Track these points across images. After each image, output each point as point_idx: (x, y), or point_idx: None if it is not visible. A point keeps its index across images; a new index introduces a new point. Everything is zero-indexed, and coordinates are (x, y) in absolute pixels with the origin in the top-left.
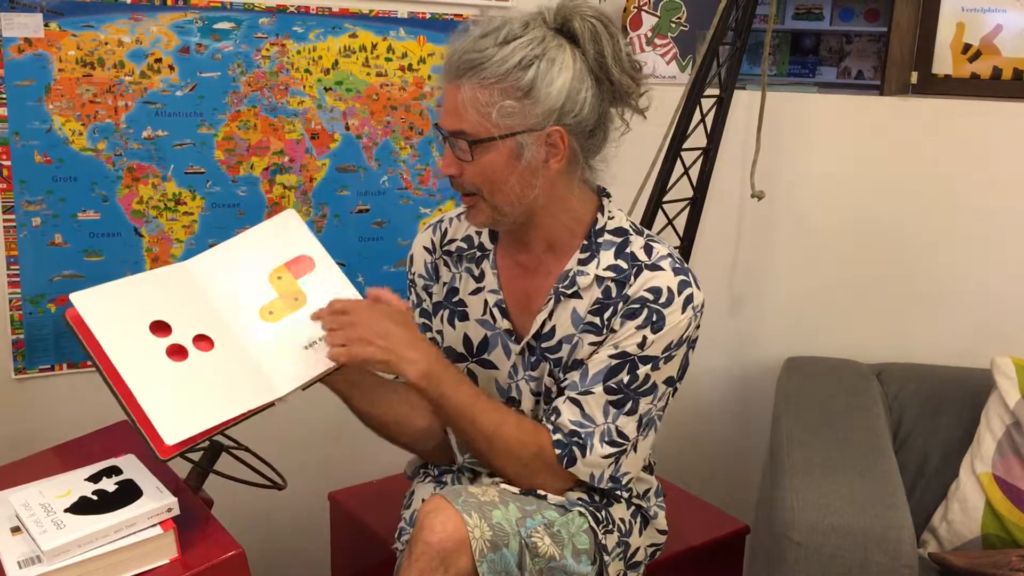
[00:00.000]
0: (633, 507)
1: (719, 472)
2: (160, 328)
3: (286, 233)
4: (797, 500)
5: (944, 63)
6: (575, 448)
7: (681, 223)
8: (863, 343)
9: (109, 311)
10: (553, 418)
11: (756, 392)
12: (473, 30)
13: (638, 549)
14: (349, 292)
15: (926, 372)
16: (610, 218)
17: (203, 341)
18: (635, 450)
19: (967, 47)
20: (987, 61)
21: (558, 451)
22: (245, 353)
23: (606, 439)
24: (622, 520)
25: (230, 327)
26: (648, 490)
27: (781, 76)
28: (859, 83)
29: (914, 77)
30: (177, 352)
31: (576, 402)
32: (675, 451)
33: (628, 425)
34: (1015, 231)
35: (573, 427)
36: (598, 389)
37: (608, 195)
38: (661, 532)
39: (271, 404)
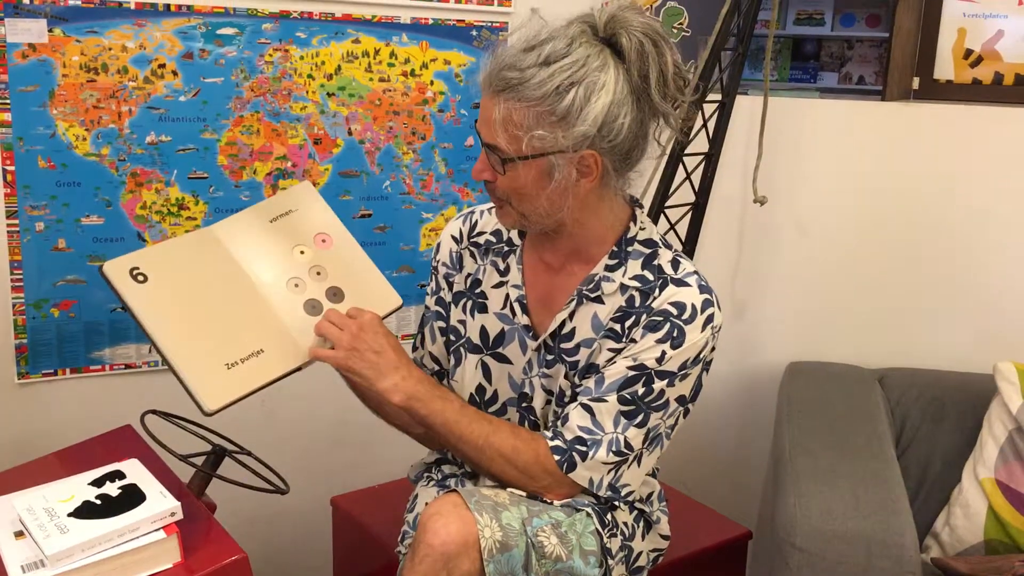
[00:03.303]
0: (636, 511)
1: (722, 477)
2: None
3: (305, 206)
4: (800, 506)
5: (946, 68)
6: (575, 454)
7: (683, 228)
8: (865, 348)
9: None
10: (560, 424)
11: (759, 397)
12: (516, 41)
13: (640, 554)
14: (366, 266)
15: (929, 377)
16: (641, 228)
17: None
18: (638, 464)
19: (969, 52)
20: (989, 67)
21: (557, 457)
22: (277, 318)
23: (613, 448)
24: (625, 524)
25: (261, 292)
26: (651, 494)
27: (783, 81)
28: (861, 88)
29: (916, 83)
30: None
31: (588, 408)
32: (678, 456)
33: (636, 437)
34: (1017, 236)
35: (580, 433)
36: (612, 398)
37: (640, 205)
38: (664, 537)
39: (299, 368)
